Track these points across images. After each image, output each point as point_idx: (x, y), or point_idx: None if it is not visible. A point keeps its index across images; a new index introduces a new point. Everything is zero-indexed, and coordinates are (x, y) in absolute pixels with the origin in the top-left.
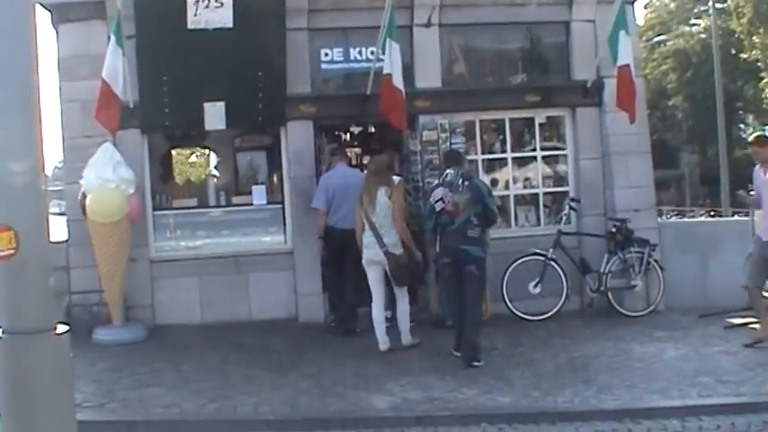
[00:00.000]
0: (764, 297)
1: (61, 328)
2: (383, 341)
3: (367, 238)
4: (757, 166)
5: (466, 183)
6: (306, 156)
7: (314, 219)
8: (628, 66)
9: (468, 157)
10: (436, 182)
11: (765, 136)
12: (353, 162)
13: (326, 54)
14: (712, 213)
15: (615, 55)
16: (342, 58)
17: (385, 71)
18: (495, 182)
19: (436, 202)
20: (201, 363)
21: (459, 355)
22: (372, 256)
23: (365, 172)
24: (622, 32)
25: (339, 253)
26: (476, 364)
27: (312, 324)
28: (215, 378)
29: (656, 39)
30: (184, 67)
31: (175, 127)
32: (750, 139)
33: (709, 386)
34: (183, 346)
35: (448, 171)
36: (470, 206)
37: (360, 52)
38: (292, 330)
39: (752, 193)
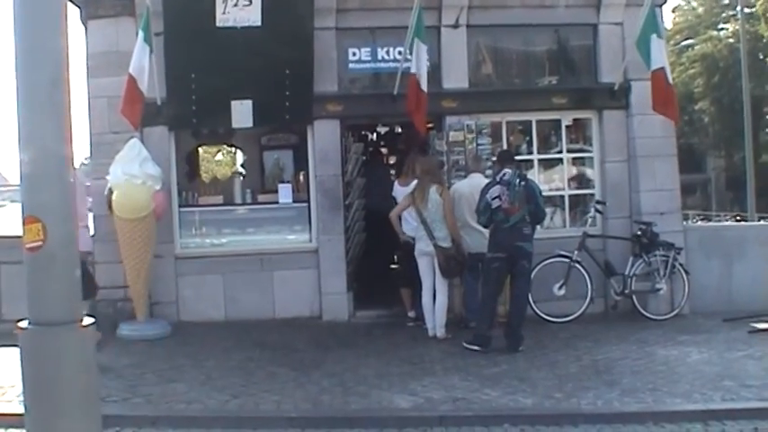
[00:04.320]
0: None
1: (87, 321)
2: (431, 327)
3: (418, 232)
4: None
5: (522, 183)
6: (332, 155)
7: (339, 218)
8: (663, 69)
9: (495, 159)
10: (491, 180)
11: None
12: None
13: (354, 53)
14: (738, 218)
15: (648, 59)
16: (369, 58)
17: (412, 71)
18: None
19: (493, 198)
20: (225, 360)
21: (471, 348)
22: (423, 248)
23: (418, 171)
24: (654, 36)
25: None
26: (521, 349)
27: (336, 323)
28: (238, 375)
29: (684, 43)
30: (212, 65)
31: (202, 124)
32: None
33: (732, 390)
34: (206, 343)
35: (506, 170)
36: (525, 205)
37: (387, 52)
38: (316, 329)
39: None
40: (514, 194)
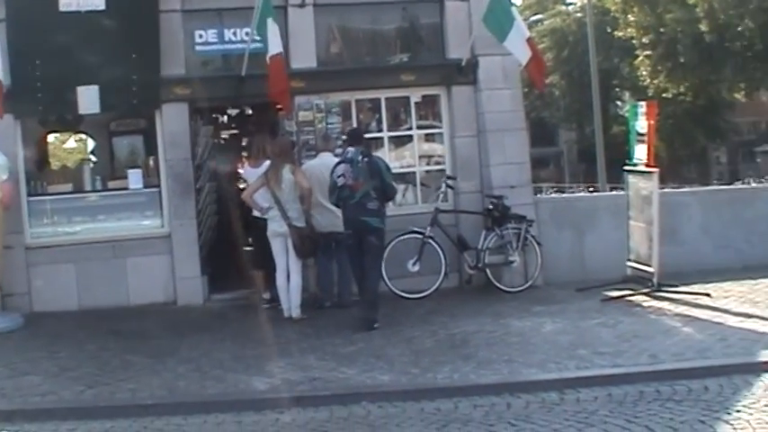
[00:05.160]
0: None
1: None
2: (286, 308)
3: (272, 213)
4: None
5: (365, 159)
6: (181, 138)
7: (190, 202)
8: (531, 38)
9: (345, 138)
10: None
11: None
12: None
13: (201, 35)
14: (591, 189)
15: (501, 34)
16: (216, 40)
17: (273, 52)
18: None
19: (339, 177)
20: (79, 350)
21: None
22: (277, 228)
23: (270, 153)
24: (513, 8)
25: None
26: (375, 326)
27: (191, 307)
28: (93, 365)
29: (533, 18)
30: (57, 51)
31: (49, 111)
32: None
33: (586, 358)
34: (60, 334)
35: (349, 149)
36: (369, 181)
37: (234, 33)
38: (171, 314)
39: None
40: (358, 171)
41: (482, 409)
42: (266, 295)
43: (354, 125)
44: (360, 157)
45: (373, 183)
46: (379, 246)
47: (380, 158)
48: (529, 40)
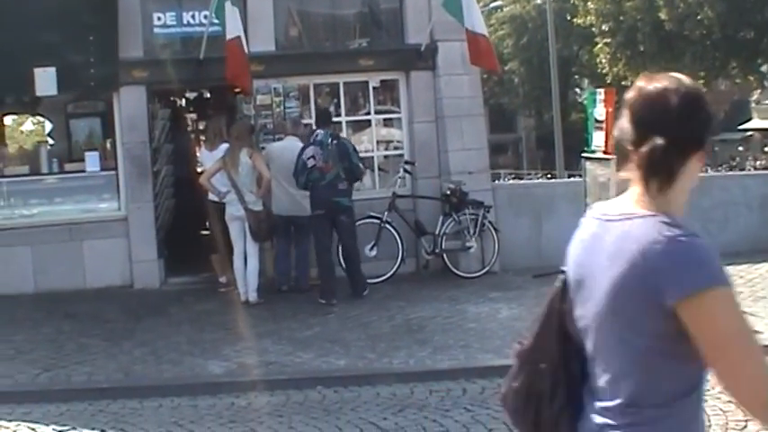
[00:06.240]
0: None
1: None
2: (243, 292)
3: (229, 197)
4: None
5: (335, 141)
6: (139, 121)
7: (147, 185)
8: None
9: (304, 122)
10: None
11: None
12: (190, 128)
13: (159, 18)
14: (549, 176)
15: (461, 17)
16: (175, 23)
17: (230, 35)
18: None
19: (308, 158)
20: (34, 333)
21: (323, 302)
22: (234, 212)
23: (227, 136)
24: None
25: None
26: (365, 294)
27: (148, 291)
28: (48, 348)
29: (493, 4)
30: (13, 33)
31: (5, 93)
32: None
33: None
34: (15, 317)
35: (318, 131)
36: (339, 163)
37: (193, 16)
38: (127, 298)
39: None
40: (327, 153)
41: (438, 395)
42: (223, 279)
43: (313, 109)
44: (329, 140)
45: (342, 165)
46: (352, 223)
47: (348, 140)
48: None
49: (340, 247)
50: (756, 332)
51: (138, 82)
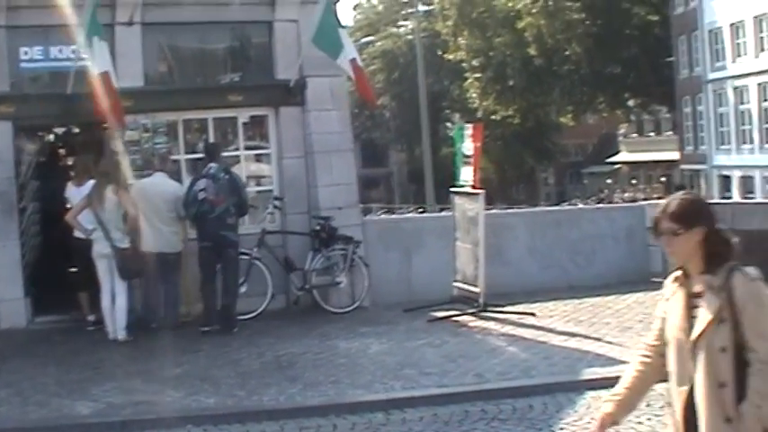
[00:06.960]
0: None
1: None
2: (112, 330)
3: (96, 234)
4: None
5: (227, 176)
6: (4, 157)
7: (13, 223)
8: (355, 59)
9: (172, 158)
10: (197, 174)
11: None
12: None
13: (26, 52)
14: (420, 210)
15: (336, 51)
16: (42, 57)
17: (100, 70)
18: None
19: (200, 191)
20: None
21: (207, 330)
22: (101, 249)
23: (94, 173)
24: (342, 30)
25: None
26: (234, 330)
27: (14, 330)
28: None
29: (365, 40)
30: None
31: None
32: None
33: (413, 378)
34: None
35: (211, 165)
36: (230, 196)
37: (60, 51)
38: None
39: None
40: (219, 187)
41: (308, 431)
42: (91, 317)
43: (182, 145)
44: (222, 174)
45: (233, 199)
46: (237, 257)
47: (238, 175)
48: (353, 61)
49: (220, 281)
50: (623, 363)
51: (3, 117)
